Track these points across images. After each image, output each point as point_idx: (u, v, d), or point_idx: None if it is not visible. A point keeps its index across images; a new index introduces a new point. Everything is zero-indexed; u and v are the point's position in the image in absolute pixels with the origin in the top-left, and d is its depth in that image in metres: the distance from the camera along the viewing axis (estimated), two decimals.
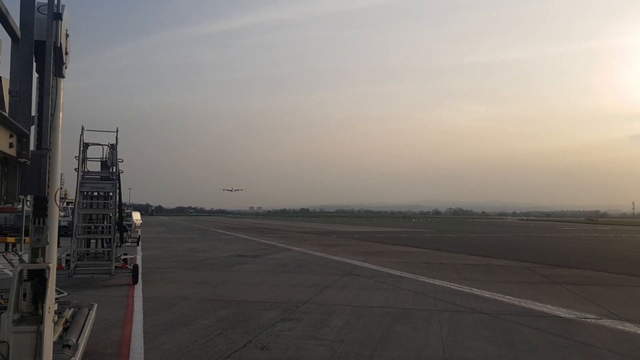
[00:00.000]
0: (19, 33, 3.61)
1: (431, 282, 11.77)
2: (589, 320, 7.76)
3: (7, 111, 3.43)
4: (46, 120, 3.64)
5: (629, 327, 7.25)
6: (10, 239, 17.07)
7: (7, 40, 3.77)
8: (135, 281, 10.99)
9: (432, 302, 9.14)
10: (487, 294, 10.01)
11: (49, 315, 3.42)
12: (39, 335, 3.30)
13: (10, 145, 3.08)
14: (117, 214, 11.76)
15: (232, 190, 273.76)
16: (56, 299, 5.41)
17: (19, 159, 3.24)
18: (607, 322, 7.58)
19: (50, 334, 3.48)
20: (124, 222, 19.10)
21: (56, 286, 5.28)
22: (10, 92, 3.56)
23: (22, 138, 3.23)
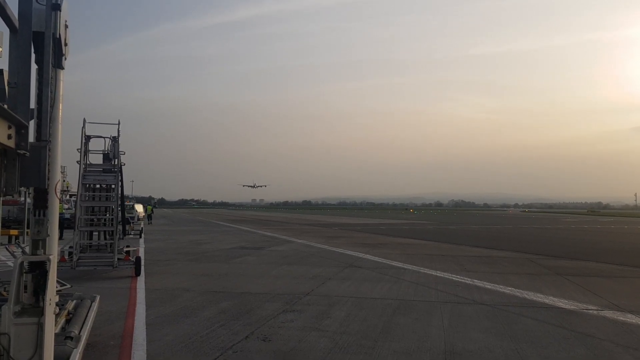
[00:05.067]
0: (17, 24, 3.58)
1: (433, 273, 11.78)
2: (590, 311, 7.75)
3: (5, 102, 3.42)
4: (45, 112, 3.63)
5: (631, 319, 7.24)
6: (13, 232, 17.16)
7: (5, 31, 3.75)
8: (137, 273, 11.02)
9: (434, 294, 9.15)
10: (488, 286, 10.01)
11: (50, 307, 3.43)
12: (40, 327, 3.31)
13: (9, 137, 3.07)
14: (120, 206, 11.78)
15: (254, 187, 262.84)
16: (58, 291, 5.43)
17: (18, 151, 3.23)
18: (609, 314, 7.57)
19: (51, 326, 3.49)
20: (127, 215, 19.10)
21: (59, 278, 5.30)
22: (9, 83, 3.54)
23: (21, 129, 3.21)
